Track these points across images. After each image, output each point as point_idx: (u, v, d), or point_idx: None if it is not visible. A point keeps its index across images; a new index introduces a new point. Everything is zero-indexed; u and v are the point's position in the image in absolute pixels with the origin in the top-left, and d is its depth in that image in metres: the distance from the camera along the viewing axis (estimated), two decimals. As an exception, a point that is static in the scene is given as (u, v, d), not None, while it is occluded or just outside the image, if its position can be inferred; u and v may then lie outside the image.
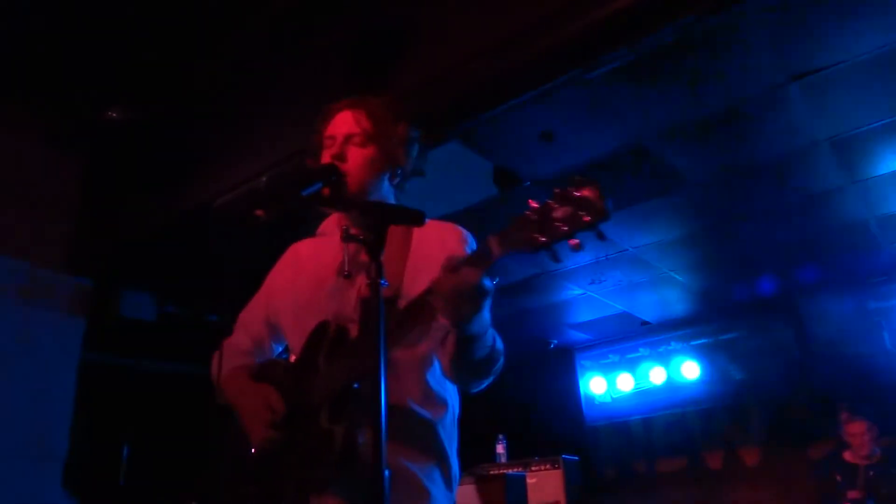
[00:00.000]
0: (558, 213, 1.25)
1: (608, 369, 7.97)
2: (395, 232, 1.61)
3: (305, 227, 1.93)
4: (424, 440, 1.60)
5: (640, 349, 7.80)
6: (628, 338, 7.84)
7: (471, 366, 1.54)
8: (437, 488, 1.58)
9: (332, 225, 1.87)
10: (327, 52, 3.52)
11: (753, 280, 6.43)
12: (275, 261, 1.96)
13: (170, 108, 4.14)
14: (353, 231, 1.61)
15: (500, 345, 1.58)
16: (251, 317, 1.94)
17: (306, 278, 1.79)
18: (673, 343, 7.56)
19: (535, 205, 1.29)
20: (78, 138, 4.45)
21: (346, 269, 1.64)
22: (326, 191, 1.61)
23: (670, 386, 7.45)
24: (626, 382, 7.79)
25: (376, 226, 1.22)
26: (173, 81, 4.08)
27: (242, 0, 3.56)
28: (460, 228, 1.78)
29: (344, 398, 1.50)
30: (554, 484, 5.45)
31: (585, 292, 6.48)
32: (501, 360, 1.59)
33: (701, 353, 7.35)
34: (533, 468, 5.55)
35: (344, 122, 1.75)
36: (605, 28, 2.80)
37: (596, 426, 7.82)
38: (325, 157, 1.70)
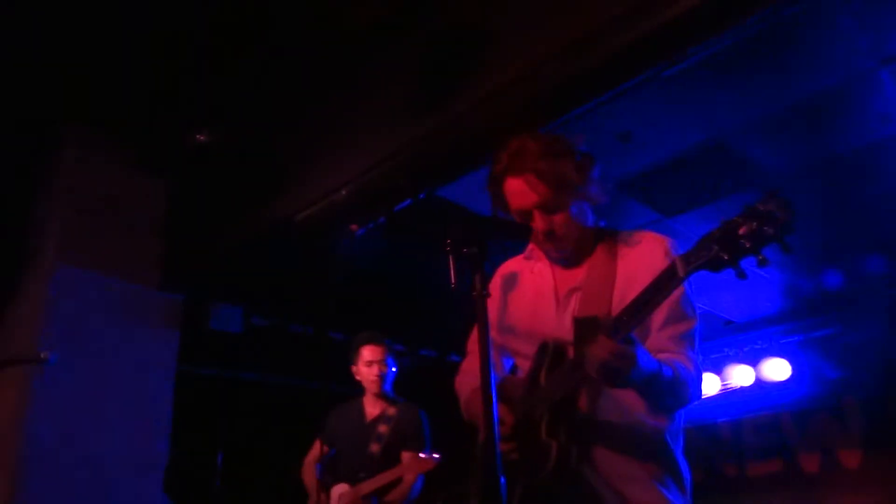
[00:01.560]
0: (742, 229, 1.27)
1: (692, 370, 7.75)
2: (598, 253, 1.72)
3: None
4: (654, 450, 1.67)
5: (725, 349, 7.54)
6: (711, 338, 7.60)
7: (652, 402, 1.62)
8: (672, 495, 1.65)
9: (537, 249, 1.92)
10: (402, 63, 3.57)
11: (845, 274, 6.13)
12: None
13: (252, 127, 4.30)
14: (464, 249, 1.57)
15: (682, 375, 1.60)
16: (475, 338, 2.07)
17: (527, 301, 1.88)
18: (760, 342, 7.27)
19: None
20: (167, 161, 4.68)
21: (560, 293, 1.76)
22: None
23: (759, 386, 7.16)
24: (711, 384, 7.55)
25: (478, 240, 1.25)
26: (252, 102, 4.24)
27: (319, 17, 3.67)
28: (665, 239, 1.79)
29: (559, 413, 1.59)
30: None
31: (665, 293, 6.33)
32: (689, 386, 1.64)
33: (791, 352, 7.04)
34: (619, 473, 5.45)
35: (526, 194, 1.74)
36: (681, 25, 2.74)
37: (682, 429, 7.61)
38: (539, 234, 1.75)
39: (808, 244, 5.55)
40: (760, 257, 1.26)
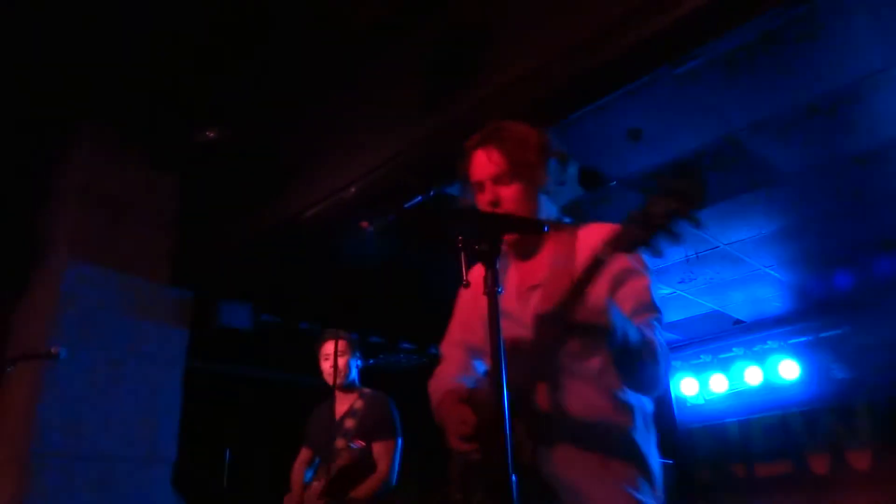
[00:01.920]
0: (657, 208, 1.29)
1: (700, 370, 7.72)
2: (559, 246, 1.71)
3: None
4: (620, 448, 1.63)
5: (734, 349, 7.51)
6: (720, 337, 7.57)
7: (621, 369, 1.59)
8: (643, 495, 1.61)
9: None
10: (410, 60, 3.57)
11: (855, 274, 6.09)
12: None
13: (261, 126, 4.31)
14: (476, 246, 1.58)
15: (653, 347, 1.59)
16: (449, 342, 2.07)
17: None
18: (769, 342, 7.24)
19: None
20: (177, 158, 4.70)
21: (522, 289, 1.73)
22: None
23: (768, 387, 7.14)
24: (719, 383, 7.52)
25: (490, 237, 1.25)
26: (261, 100, 4.25)
27: (325, 15, 3.67)
28: (610, 227, 1.77)
29: (517, 409, 1.54)
30: (649, 488, 5.33)
31: (675, 291, 6.31)
32: (660, 362, 1.60)
33: (800, 352, 7.01)
34: (626, 472, 5.43)
35: (484, 165, 1.79)
36: (691, 23, 2.72)
37: (690, 428, 7.59)
38: (483, 205, 1.75)
39: (818, 244, 5.53)
40: (673, 233, 1.27)
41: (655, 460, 1.70)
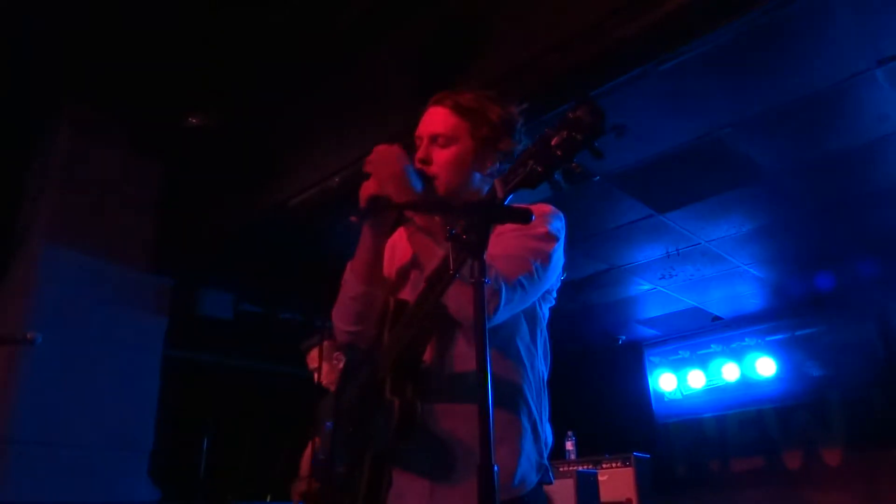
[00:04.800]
0: (555, 140, 1.22)
1: (678, 365, 7.80)
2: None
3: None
4: (507, 408, 1.55)
5: (712, 345, 7.59)
6: (699, 333, 7.64)
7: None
8: (525, 458, 1.54)
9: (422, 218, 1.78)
10: (401, 51, 3.55)
11: (833, 274, 6.17)
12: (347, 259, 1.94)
13: (246, 112, 4.27)
14: (457, 231, 1.46)
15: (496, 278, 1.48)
16: None
17: (395, 271, 1.81)
18: (747, 339, 7.32)
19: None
20: (160, 144, 4.64)
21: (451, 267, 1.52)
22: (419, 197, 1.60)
23: (744, 383, 7.22)
24: (697, 379, 7.60)
25: (479, 227, 1.22)
26: (248, 87, 4.20)
27: (315, 3, 3.64)
28: (545, 208, 1.70)
29: (403, 370, 1.52)
30: (625, 481, 5.37)
31: (655, 287, 6.36)
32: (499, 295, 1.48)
33: (777, 350, 7.10)
34: (604, 465, 5.48)
35: (431, 121, 1.73)
36: (676, 21, 2.75)
37: (666, 423, 7.66)
38: (415, 161, 1.69)
39: (797, 243, 5.60)
40: (573, 165, 1.22)
41: (547, 426, 1.65)
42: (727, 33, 2.99)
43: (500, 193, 1.33)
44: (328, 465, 1.72)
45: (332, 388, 3.87)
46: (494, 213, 1.26)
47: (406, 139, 1.77)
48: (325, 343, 3.90)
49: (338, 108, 3.90)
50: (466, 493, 1.22)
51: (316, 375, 3.88)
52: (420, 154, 1.69)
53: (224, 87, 4.14)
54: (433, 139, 1.70)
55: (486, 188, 1.75)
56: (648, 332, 7.70)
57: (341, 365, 3.90)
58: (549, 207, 1.70)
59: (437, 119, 1.72)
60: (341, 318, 1.77)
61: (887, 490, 5.89)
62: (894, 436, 5.94)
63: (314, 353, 3.92)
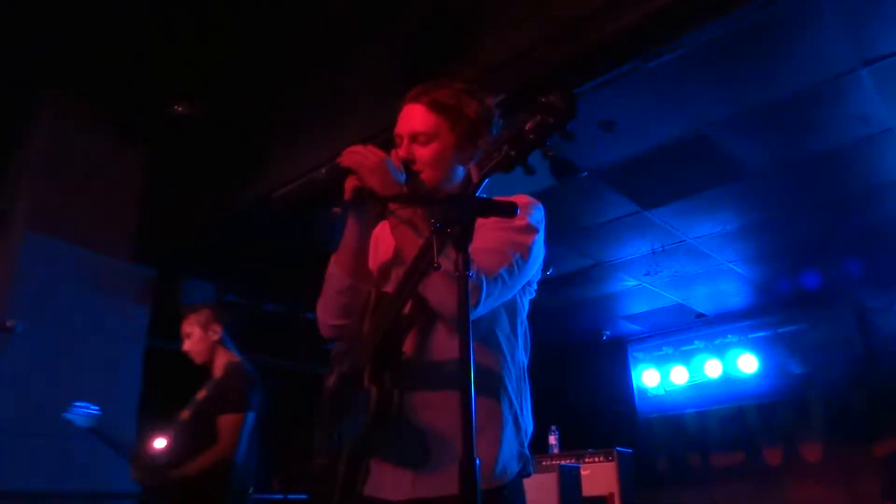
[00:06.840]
0: (528, 124, 1.24)
1: (661, 362, 7.86)
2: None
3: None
4: (487, 397, 1.55)
5: (696, 342, 7.66)
6: (683, 330, 7.71)
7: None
8: (505, 449, 1.53)
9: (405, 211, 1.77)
10: (388, 43, 3.54)
11: (815, 272, 6.23)
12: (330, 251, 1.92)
13: (232, 102, 4.23)
14: (441, 223, 1.43)
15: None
16: None
17: (380, 262, 1.80)
18: (729, 336, 7.39)
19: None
20: (144, 132, 4.58)
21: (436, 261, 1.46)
22: (406, 189, 1.60)
23: (726, 379, 7.30)
24: (680, 375, 7.67)
25: (463, 220, 1.22)
26: (235, 76, 4.17)
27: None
28: (524, 199, 1.68)
29: (382, 358, 1.53)
30: (608, 476, 5.41)
31: (640, 283, 6.39)
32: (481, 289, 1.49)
33: (759, 347, 7.17)
34: (586, 460, 5.51)
35: (408, 119, 1.72)
36: (664, 18, 2.76)
37: (649, 419, 7.73)
38: (396, 160, 1.68)
39: (780, 241, 5.64)
40: (545, 149, 1.24)
41: (528, 415, 1.65)
42: (714, 31, 3.00)
43: (475, 178, 1.35)
44: (310, 455, 1.71)
45: (196, 358, 3.55)
46: (479, 206, 1.25)
47: (388, 134, 1.76)
48: (207, 312, 3.62)
49: (325, 98, 3.88)
50: (448, 480, 1.22)
51: (185, 342, 3.57)
52: (402, 153, 1.68)
53: (210, 75, 4.11)
54: (413, 137, 1.70)
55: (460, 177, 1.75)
56: (632, 327, 7.75)
57: (216, 337, 3.68)
58: (527, 198, 1.70)
59: (415, 117, 1.71)
60: (327, 311, 1.77)
61: (865, 485, 5.97)
62: (873, 432, 6.03)
63: (191, 317, 3.59)
